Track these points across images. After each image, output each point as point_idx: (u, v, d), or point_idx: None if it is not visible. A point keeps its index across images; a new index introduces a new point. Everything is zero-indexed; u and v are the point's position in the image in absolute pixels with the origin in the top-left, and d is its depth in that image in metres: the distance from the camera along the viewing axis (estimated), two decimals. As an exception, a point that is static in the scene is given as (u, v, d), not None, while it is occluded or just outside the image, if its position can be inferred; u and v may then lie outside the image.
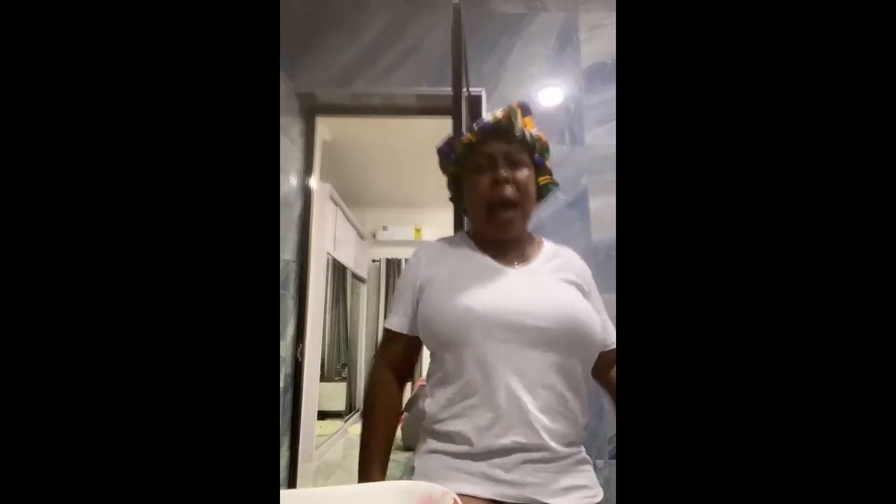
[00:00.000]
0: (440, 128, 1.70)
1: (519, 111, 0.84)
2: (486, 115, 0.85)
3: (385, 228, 5.21)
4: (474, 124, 0.85)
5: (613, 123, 1.85)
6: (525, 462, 0.67)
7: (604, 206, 1.80)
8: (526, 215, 0.83)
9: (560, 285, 0.79)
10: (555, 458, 0.68)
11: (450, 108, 1.20)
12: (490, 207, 0.80)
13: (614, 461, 1.65)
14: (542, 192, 0.88)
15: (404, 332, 0.80)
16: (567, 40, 1.95)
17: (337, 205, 3.78)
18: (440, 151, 0.91)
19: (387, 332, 0.82)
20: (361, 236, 4.98)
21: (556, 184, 0.88)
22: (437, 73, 1.88)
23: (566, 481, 0.69)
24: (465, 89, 1.44)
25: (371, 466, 0.75)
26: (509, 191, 0.79)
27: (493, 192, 0.80)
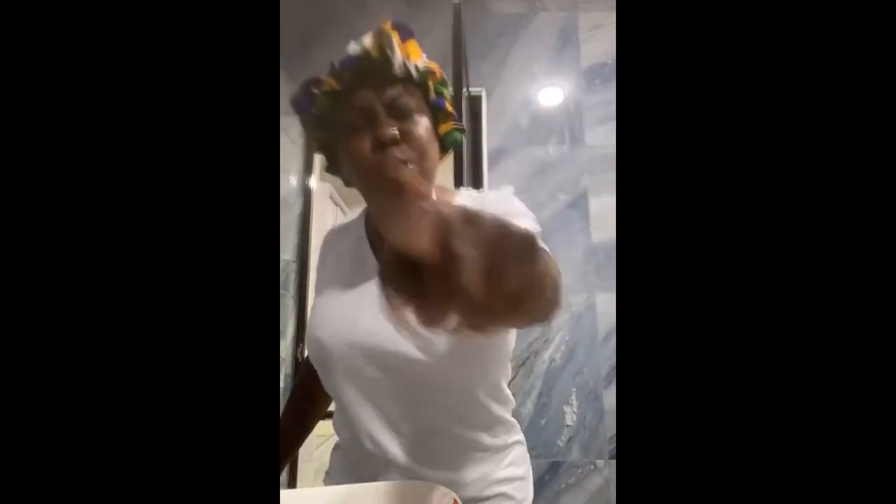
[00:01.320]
0: None
1: (395, 34, 0.58)
2: (351, 46, 0.58)
3: (385, 228, 5.21)
4: (335, 62, 0.59)
5: (613, 123, 1.85)
6: None
7: (604, 206, 1.80)
8: (428, 177, 0.59)
9: None
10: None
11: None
12: (376, 178, 0.56)
13: (614, 461, 1.65)
14: (447, 143, 0.63)
15: None
16: (567, 40, 1.96)
17: (337, 205, 3.77)
18: (297, 105, 0.63)
19: None
20: (361, 236, 4.97)
21: (462, 129, 0.64)
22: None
23: None
24: (465, 89, 1.44)
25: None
26: (400, 153, 0.55)
27: (377, 159, 0.55)
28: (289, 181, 1.89)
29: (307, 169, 2.03)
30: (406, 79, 0.59)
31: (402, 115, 0.57)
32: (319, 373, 0.64)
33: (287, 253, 1.87)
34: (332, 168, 0.66)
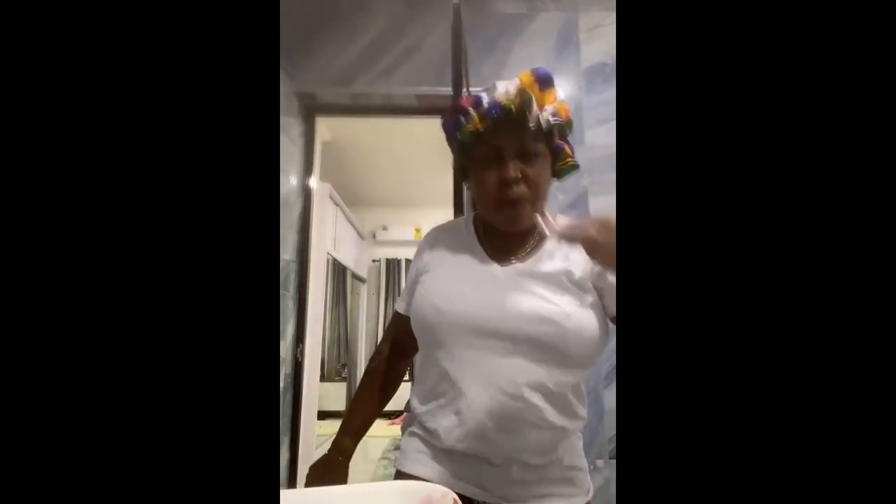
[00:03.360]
0: (440, 128, 1.69)
1: (535, 87, 0.70)
2: (499, 90, 0.71)
3: (385, 228, 5.22)
4: (483, 101, 0.71)
5: (613, 123, 1.85)
6: (488, 467, 0.66)
7: (604, 206, 1.80)
8: (537, 206, 0.72)
9: (545, 290, 0.68)
10: (520, 468, 0.66)
11: (450, 107, 1.17)
12: (497, 206, 0.72)
13: (614, 461, 1.65)
14: (561, 175, 0.78)
15: (406, 314, 0.81)
16: (567, 40, 1.95)
17: (337, 205, 3.78)
18: (445, 127, 0.78)
19: (394, 312, 0.86)
20: (361, 236, 4.98)
21: (576, 165, 0.77)
22: (437, 73, 1.88)
23: (536, 490, 0.67)
24: (465, 89, 1.44)
25: (346, 426, 0.82)
26: (518, 190, 0.70)
27: (500, 192, 0.71)
28: (289, 181, 1.89)
29: (307, 169, 2.03)
30: (536, 129, 0.71)
31: (526, 157, 0.70)
32: (426, 341, 0.72)
33: (287, 253, 1.87)
34: (460, 177, 0.82)
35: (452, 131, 0.77)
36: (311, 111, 2.01)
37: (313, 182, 2.04)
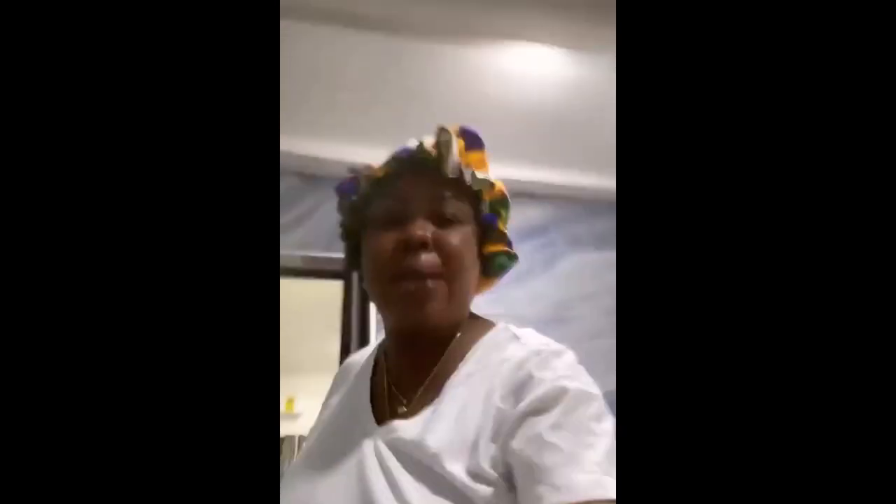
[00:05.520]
0: (327, 291, 1.72)
1: (459, 141, 0.51)
2: (409, 141, 0.52)
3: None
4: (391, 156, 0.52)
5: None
6: None
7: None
8: (457, 297, 0.49)
9: (414, 488, 0.40)
10: None
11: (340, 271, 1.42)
12: (392, 280, 0.47)
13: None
14: (491, 268, 0.54)
15: None
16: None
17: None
18: (339, 189, 0.55)
19: None
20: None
21: (513, 256, 0.55)
22: (329, 238, 1.58)
23: None
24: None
25: None
26: (427, 259, 0.47)
27: (399, 259, 0.47)
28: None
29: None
30: (457, 183, 0.51)
31: (441, 218, 0.49)
32: None
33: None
34: (351, 262, 0.57)
35: (348, 191, 0.54)
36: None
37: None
